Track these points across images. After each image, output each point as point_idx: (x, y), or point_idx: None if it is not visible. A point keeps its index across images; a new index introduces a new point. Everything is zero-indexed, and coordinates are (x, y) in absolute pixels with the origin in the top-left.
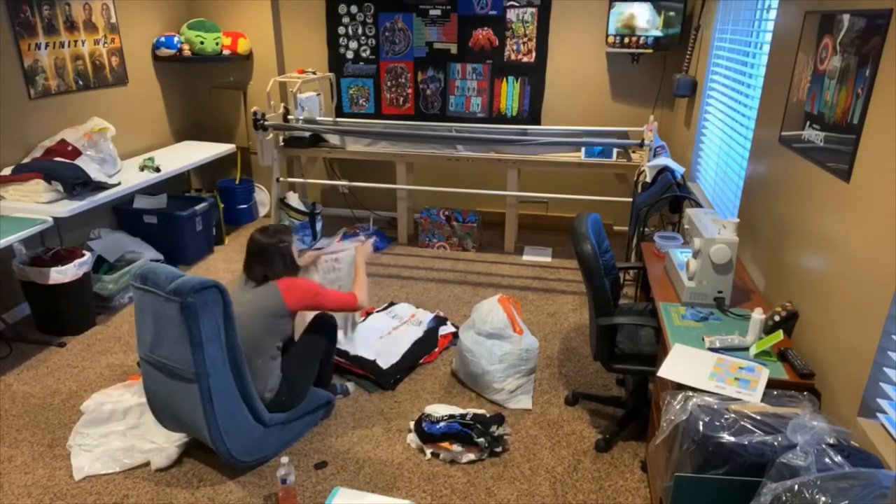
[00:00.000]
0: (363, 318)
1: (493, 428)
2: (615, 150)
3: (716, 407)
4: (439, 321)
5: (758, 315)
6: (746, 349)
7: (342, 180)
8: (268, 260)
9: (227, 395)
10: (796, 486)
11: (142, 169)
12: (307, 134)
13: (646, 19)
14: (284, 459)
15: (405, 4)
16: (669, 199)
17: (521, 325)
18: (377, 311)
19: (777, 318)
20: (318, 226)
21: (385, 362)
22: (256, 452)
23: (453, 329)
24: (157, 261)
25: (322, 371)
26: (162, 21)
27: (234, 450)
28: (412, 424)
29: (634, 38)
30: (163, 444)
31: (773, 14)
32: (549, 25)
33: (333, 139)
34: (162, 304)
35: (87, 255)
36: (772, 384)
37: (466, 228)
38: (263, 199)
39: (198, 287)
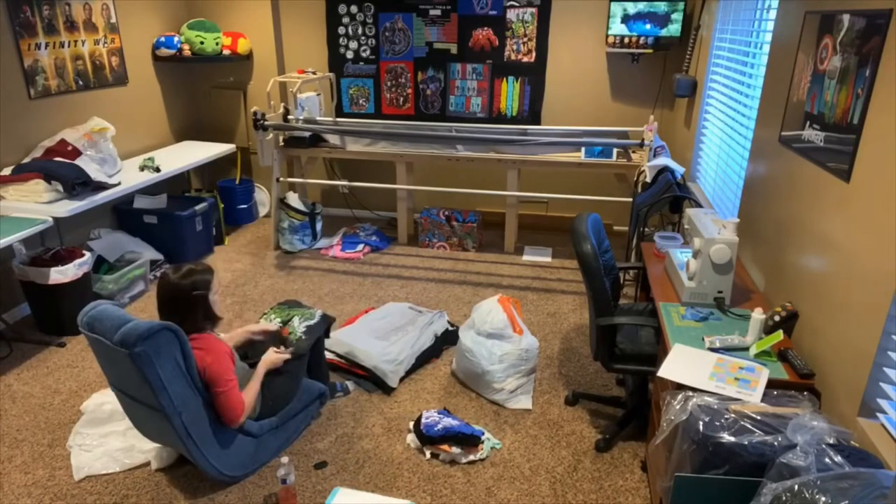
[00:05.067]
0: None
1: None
2: (615, 150)
3: (716, 407)
4: (446, 327)
5: (758, 315)
6: (746, 349)
7: (342, 180)
8: (182, 309)
9: (206, 424)
10: (796, 486)
11: (142, 169)
12: (307, 134)
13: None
14: (284, 459)
15: (405, 4)
16: (669, 199)
17: (521, 325)
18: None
19: (777, 318)
20: (318, 226)
21: (383, 370)
22: (253, 463)
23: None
24: (158, 261)
25: (315, 362)
26: (162, 21)
27: (227, 469)
28: (412, 425)
29: (634, 38)
30: None
31: (773, 14)
32: (549, 25)
33: (333, 139)
34: (114, 351)
35: (87, 255)
36: (772, 384)
37: (466, 228)
38: (263, 199)
39: (146, 334)
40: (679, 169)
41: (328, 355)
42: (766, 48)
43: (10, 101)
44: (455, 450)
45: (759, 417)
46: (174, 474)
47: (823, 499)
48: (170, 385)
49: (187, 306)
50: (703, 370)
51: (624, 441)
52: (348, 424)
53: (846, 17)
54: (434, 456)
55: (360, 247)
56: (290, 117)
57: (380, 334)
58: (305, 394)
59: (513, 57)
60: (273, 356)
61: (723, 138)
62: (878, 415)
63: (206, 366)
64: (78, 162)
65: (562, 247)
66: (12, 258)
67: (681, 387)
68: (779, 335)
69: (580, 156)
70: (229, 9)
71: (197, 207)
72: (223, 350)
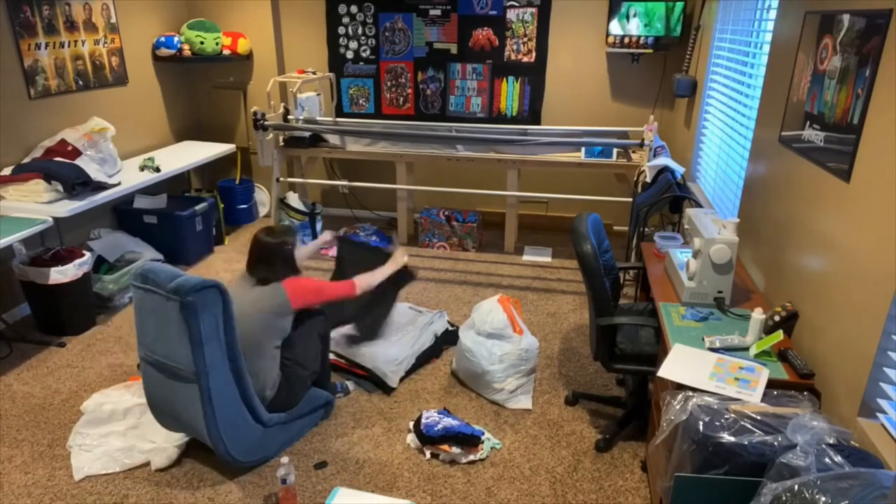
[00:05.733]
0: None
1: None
2: (615, 150)
3: (716, 407)
4: (446, 327)
5: (758, 315)
6: (746, 349)
7: (342, 180)
8: (272, 262)
9: (226, 396)
10: (796, 486)
11: (142, 169)
12: (307, 134)
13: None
14: (284, 459)
15: (405, 4)
16: (669, 199)
17: (521, 325)
18: None
19: (777, 318)
20: (318, 226)
21: (383, 370)
22: (256, 453)
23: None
24: (157, 261)
25: (319, 370)
26: (162, 21)
27: (233, 451)
28: (412, 425)
29: (634, 38)
30: (163, 444)
31: (773, 14)
32: (549, 25)
33: (333, 139)
34: (162, 303)
35: (87, 255)
36: (772, 384)
37: (466, 228)
38: (263, 199)
39: (198, 286)
40: (679, 169)
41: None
42: (766, 48)
43: (10, 101)
44: (455, 450)
45: (759, 417)
46: (174, 474)
47: (823, 499)
48: (207, 342)
49: (277, 259)
50: (703, 370)
51: (624, 441)
52: (348, 424)
53: (846, 17)
54: (434, 456)
55: None
56: (290, 117)
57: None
58: (313, 398)
59: (513, 57)
60: (401, 256)
61: (723, 138)
62: (878, 415)
63: (299, 299)
64: (78, 162)
65: (562, 247)
66: (12, 258)
67: (681, 387)
68: (779, 335)
69: (580, 156)
70: (229, 9)
71: (197, 207)
72: (306, 282)
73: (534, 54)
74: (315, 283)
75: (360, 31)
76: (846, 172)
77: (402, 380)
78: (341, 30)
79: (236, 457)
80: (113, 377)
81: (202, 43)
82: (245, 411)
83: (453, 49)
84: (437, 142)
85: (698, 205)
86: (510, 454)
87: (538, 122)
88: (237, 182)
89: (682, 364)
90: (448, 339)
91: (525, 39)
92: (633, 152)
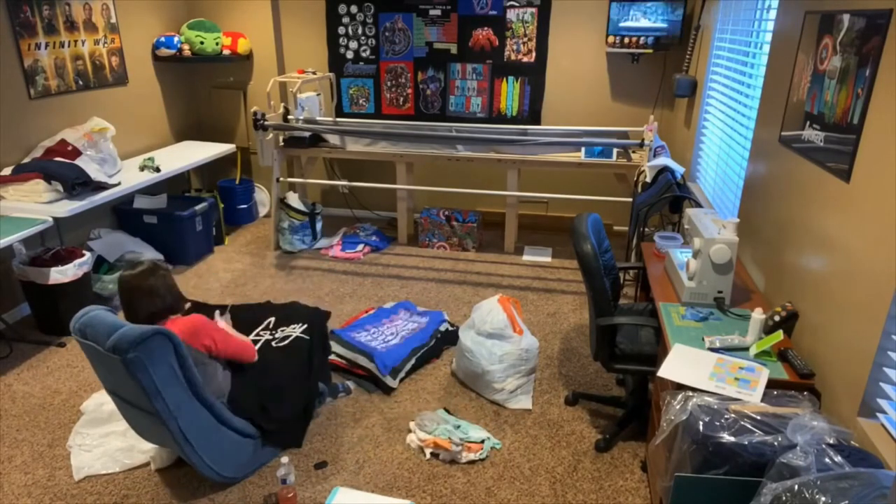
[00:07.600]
0: (365, 315)
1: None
2: (615, 150)
3: (716, 407)
4: (447, 327)
5: (758, 315)
6: (746, 349)
7: (342, 180)
8: (150, 294)
9: (203, 428)
10: (796, 486)
11: (142, 169)
12: (307, 134)
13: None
14: (284, 459)
15: (405, 4)
16: (669, 199)
17: (521, 325)
18: (375, 312)
19: (777, 318)
20: (318, 226)
21: (383, 369)
22: (253, 463)
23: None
24: (157, 261)
25: (321, 362)
26: (162, 21)
27: (224, 471)
28: (412, 424)
29: (634, 38)
30: None
31: (773, 14)
32: (549, 25)
33: (333, 139)
34: (107, 357)
35: (87, 255)
36: (772, 384)
37: (466, 228)
38: (263, 199)
39: (138, 340)
40: (679, 169)
41: None
42: (766, 48)
43: (10, 101)
44: (455, 449)
45: (759, 417)
46: (174, 474)
47: (823, 499)
48: (164, 390)
49: (154, 289)
50: (703, 370)
51: (624, 441)
52: (348, 424)
53: (846, 17)
54: (434, 456)
55: (360, 247)
56: (290, 117)
57: (378, 337)
58: None
59: (513, 57)
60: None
61: (723, 138)
62: (878, 415)
63: (208, 342)
64: (78, 162)
65: (562, 247)
66: (12, 258)
67: (681, 387)
68: (779, 335)
69: (580, 156)
70: (229, 9)
71: (197, 207)
72: (203, 321)
73: (534, 54)
74: (218, 327)
75: (360, 31)
76: (846, 172)
77: (402, 380)
78: (341, 30)
79: (231, 475)
80: None
81: (202, 43)
82: (228, 432)
83: (453, 49)
84: (437, 142)
85: (698, 205)
86: (510, 454)
87: (538, 122)
88: (237, 182)
89: (682, 364)
90: (448, 339)
91: (525, 39)
92: (633, 152)
